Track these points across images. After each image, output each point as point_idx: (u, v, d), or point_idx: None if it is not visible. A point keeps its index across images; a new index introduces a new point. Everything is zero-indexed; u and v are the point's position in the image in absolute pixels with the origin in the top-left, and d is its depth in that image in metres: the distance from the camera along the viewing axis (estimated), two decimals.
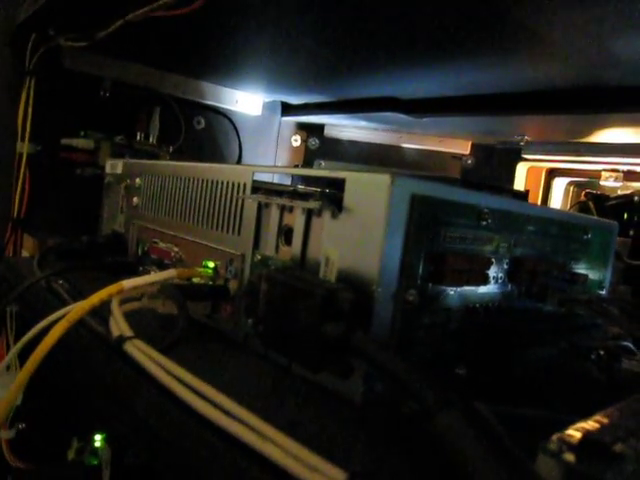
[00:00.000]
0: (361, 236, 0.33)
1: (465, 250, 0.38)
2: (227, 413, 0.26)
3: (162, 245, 0.54)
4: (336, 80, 0.86)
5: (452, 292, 0.37)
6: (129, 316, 0.40)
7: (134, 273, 0.58)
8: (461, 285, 0.38)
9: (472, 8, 0.49)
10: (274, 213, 0.40)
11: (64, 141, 0.82)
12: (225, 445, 0.26)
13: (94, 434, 0.73)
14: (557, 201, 1.05)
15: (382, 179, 0.32)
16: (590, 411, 0.27)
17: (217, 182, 0.46)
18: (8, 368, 0.74)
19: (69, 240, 0.65)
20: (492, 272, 0.40)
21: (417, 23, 0.55)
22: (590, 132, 0.87)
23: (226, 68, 0.87)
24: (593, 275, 0.54)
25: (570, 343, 0.50)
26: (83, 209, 0.79)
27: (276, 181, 0.51)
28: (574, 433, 0.25)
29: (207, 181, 0.48)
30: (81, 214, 0.80)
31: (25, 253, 0.79)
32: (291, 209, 0.38)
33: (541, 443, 0.24)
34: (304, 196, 0.37)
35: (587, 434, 0.25)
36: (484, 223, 0.39)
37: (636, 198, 0.93)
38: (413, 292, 0.34)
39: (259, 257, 0.40)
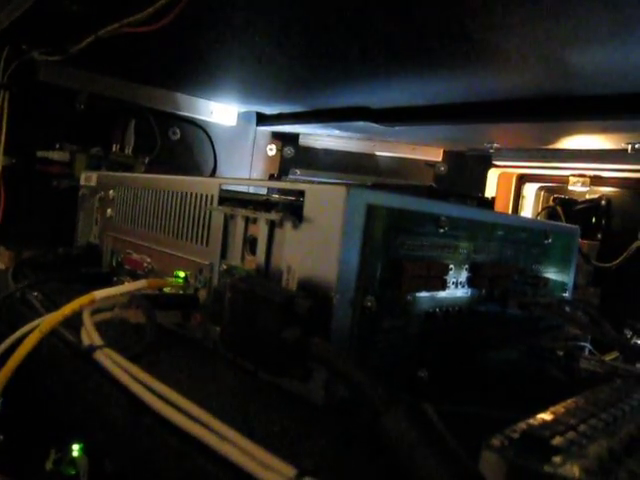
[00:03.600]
0: (320, 245, 0.34)
1: (423, 257, 0.39)
2: (190, 416, 0.27)
3: (135, 256, 0.55)
4: (309, 91, 0.88)
5: (410, 298, 0.39)
6: (101, 326, 0.41)
7: (108, 284, 0.59)
8: (419, 291, 0.39)
9: (436, 24, 0.51)
10: (239, 224, 0.41)
11: (40, 153, 0.82)
12: (188, 447, 0.27)
13: (71, 444, 0.73)
14: (528, 206, 1.07)
15: (338, 190, 0.34)
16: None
17: (186, 194, 0.48)
18: None
19: (44, 252, 0.66)
20: (451, 278, 0.42)
21: (385, 37, 0.57)
22: (558, 139, 0.90)
23: (200, 80, 0.88)
24: (556, 278, 0.56)
25: (530, 345, 0.52)
26: (59, 221, 0.80)
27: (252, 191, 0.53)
28: (516, 429, 0.27)
29: (177, 193, 0.49)
30: (57, 226, 0.81)
31: (0, 265, 0.80)
32: (255, 220, 0.40)
33: (485, 440, 0.26)
34: (267, 207, 0.39)
35: (527, 429, 0.26)
36: (441, 230, 0.40)
37: (603, 202, 0.96)
38: (371, 298, 0.35)
39: (225, 267, 0.42)
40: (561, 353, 0.53)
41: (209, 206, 0.44)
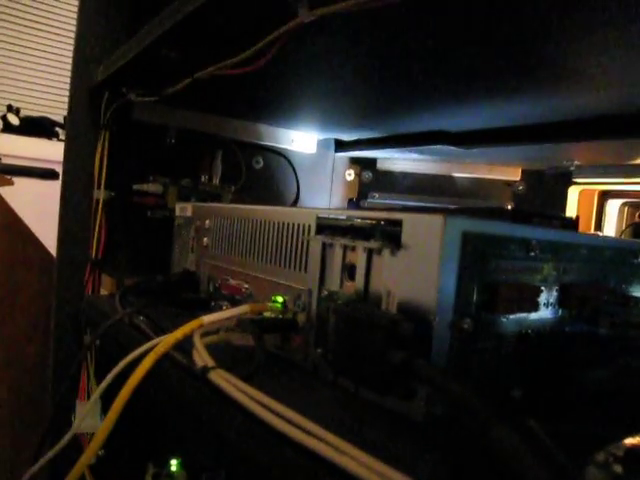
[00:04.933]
0: (418, 271, 0.36)
1: (516, 280, 0.41)
2: (309, 433, 0.30)
3: (233, 282, 0.59)
4: (386, 117, 0.91)
5: (505, 319, 0.40)
6: (208, 349, 0.44)
7: (207, 308, 0.63)
8: (513, 313, 0.41)
9: (518, 48, 0.53)
10: (337, 252, 0.44)
11: (135, 187, 0.88)
12: (305, 461, 0.30)
13: (170, 459, 0.77)
14: (611, 223, 1.05)
15: (435, 219, 0.36)
16: None
17: (284, 224, 0.51)
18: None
19: (146, 279, 0.70)
20: (542, 299, 0.43)
21: (465, 62, 0.59)
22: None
23: (282, 111, 0.92)
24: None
25: (623, 364, 0.51)
26: (154, 248, 0.85)
27: None
28: (620, 447, 0.28)
29: (274, 223, 0.53)
30: (153, 253, 0.86)
31: (103, 291, 0.86)
32: (353, 248, 0.42)
33: (590, 455, 0.27)
34: (365, 235, 0.41)
35: (631, 447, 0.27)
36: (532, 254, 0.42)
37: None
38: (468, 321, 0.37)
39: (326, 292, 0.44)
40: None
41: (308, 236, 0.47)
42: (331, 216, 0.45)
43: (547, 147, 0.89)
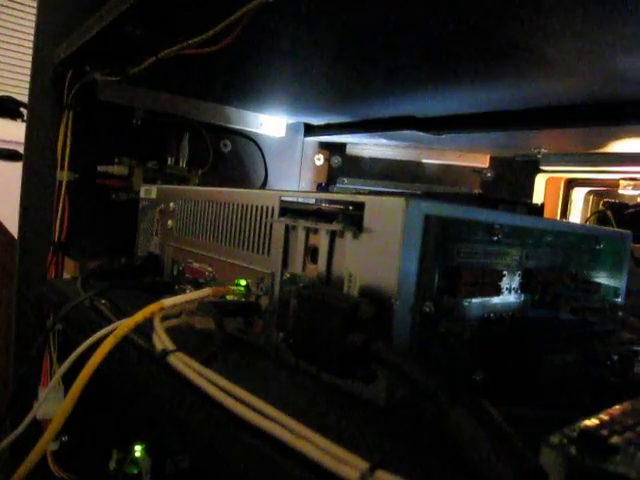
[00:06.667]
0: (380, 254, 0.36)
1: (478, 264, 0.41)
2: (265, 415, 0.29)
3: (196, 265, 0.58)
4: (356, 101, 0.90)
5: (467, 303, 0.40)
6: (169, 332, 0.43)
7: (170, 292, 0.62)
8: (475, 297, 0.41)
9: (484, 33, 0.53)
10: (300, 234, 0.43)
11: (100, 168, 0.86)
12: (263, 445, 0.29)
13: (134, 445, 0.77)
14: (577, 211, 1.07)
15: (397, 202, 0.35)
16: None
17: (247, 206, 0.50)
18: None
19: (108, 262, 0.69)
20: (505, 284, 0.43)
21: (432, 48, 0.59)
22: (607, 143, 0.89)
23: (251, 94, 0.91)
24: (608, 283, 0.56)
25: (584, 349, 0.52)
26: (119, 231, 0.84)
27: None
28: (575, 428, 0.28)
29: (238, 205, 0.52)
30: (117, 236, 0.84)
31: (66, 275, 0.84)
32: (316, 230, 0.42)
33: (545, 437, 0.27)
34: (328, 218, 0.41)
35: (585, 428, 0.28)
36: (495, 238, 0.42)
37: None
38: (429, 304, 0.37)
39: (288, 275, 0.44)
40: (615, 357, 0.53)
41: (271, 218, 0.46)
42: (294, 199, 0.45)
43: (515, 134, 0.90)
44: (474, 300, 0.41)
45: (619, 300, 0.59)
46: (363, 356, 0.32)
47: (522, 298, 0.46)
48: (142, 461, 0.74)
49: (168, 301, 0.45)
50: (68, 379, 0.48)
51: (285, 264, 0.45)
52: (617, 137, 0.85)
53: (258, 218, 0.49)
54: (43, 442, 0.42)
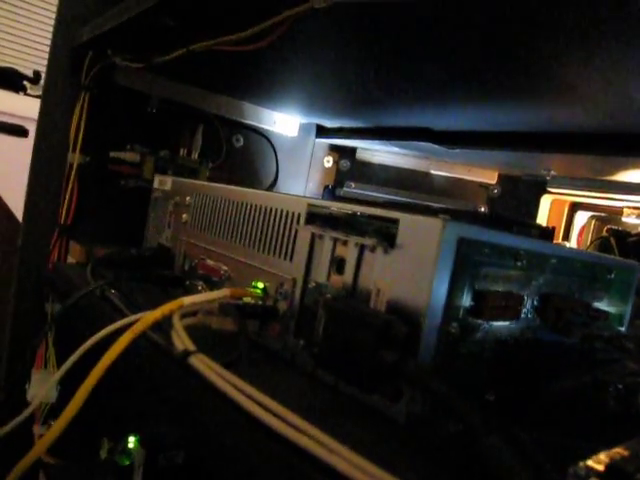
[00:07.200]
0: (412, 272, 0.36)
1: (502, 287, 0.41)
2: (295, 427, 0.29)
3: (210, 262, 0.58)
4: (372, 108, 0.90)
5: (488, 325, 0.41)
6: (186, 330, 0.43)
7: (180, 286, 0.62)
8: (497, 320, 0.41)
9: (506, 56, 0.53)
10: (327, 244, 0.43)
11: (112, 154, 0.86)
12: (291, 456, 0.29)
13: (127, 436, 0.76)
14: (578, 232, 1.08)
15: (434, 223, 0.36)
16: (607, 441, 0.30)
17: (272, 209, 0.50)
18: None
19: (119, 251, 0.69)
20: (524, 308, 0.44)
21: (455, 65, 0.59)
22: (614, 171, 0.90)
23: (267, 91, 0.91)
24: (614, 312, 0.57)
25: (591, 377, 0.53)
26: (126, 219, 0.83)
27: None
28: (599, 461, 0.28)
29: (262, 207, 0.52)
30: (124, 224, 0.84)
31: (71, 259, 0.83)
32: (345, 242, 0.42)
33: (570, 468, 0.27)
34: (358, 230, 0.41)
35: (612, 463, 0.28)
36: (519, 264, 0.42)
37: None
38: (455, 325, 0.37)
39: (314, 284, 0.44)
40: (620, 387, 0.54)
41: (297, 225, 0.46)
42: (323, 207, 0.45)
43: (526, 155, 0.91)
44: (495, 323, 0.41)
45: (623, 329, 0.60)
46: (392, 374, 0.32)
47: (537, 323, 0.46)
48: (135, 452, 0.73)
49: (188, 299, 0.45)
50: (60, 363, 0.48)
51: (308, 271, 0.45)
52: (626, 167, 0.86)
53: (283, 223, 0.49)
54: (47, 439, 0.42)
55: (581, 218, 1.09)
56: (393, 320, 0.34)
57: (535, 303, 0.46)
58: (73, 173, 0.83)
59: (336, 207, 0.43)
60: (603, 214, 1.06)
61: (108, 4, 0.69)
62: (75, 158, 0.83)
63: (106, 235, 0.85)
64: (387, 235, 0.38)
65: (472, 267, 0.38)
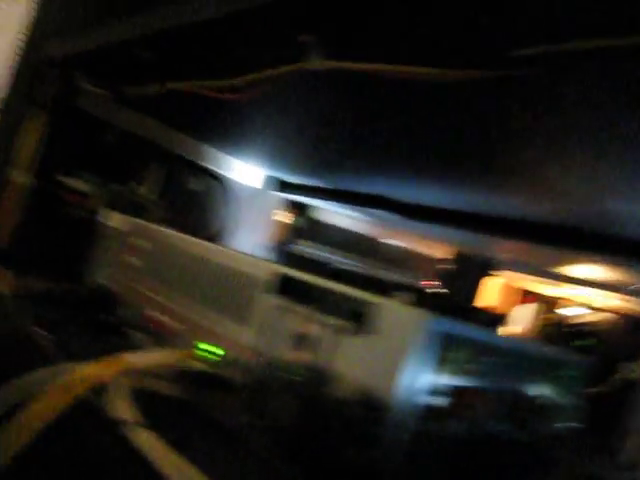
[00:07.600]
0: (383, 360, 0.34)
1: (472, 384, 0.39)
2: None
3: (160, 316, 0.54)
4: (333, 170, 0.89)
5: (454, 422, 0.38)
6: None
7: (121, 336, 0.57)
8: (463, 416, 0.39)
9: (475, 142, 0.53)
10: (292, 317, 0.40)
11: (60, 178, 0.81)
12: None
13: None
14: (523, 318, 1.09)
15: (416, 314, 0.34)
16: None
17: (235, 271, 0.47)
18: None
19: (53, 286, 0.63)
20: (487, 404, 0.42)
21: (420, 143, 0.59)
22: (563, 263, 0.92)
23: (233, 139, 0.89)
24: (565, 405, 0.57)
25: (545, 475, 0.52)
26: (64, 250, 0.78)
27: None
28: None
29: (225, 267, 0.48)
30: (61, 255, 0.78)
31: (3, 288, 0.76)
32: (311, 318, 0.39)
33: None
34: (328, 306, 0.38)
35: None
36: (488, 359, 0.41)
37: (599, 327, 0.98)
38: (420, 422, 0.35)
39: (273, 358, 0.40)
40: None
41: (261, 294, 0.43)
42: (292, 276, 0.42)
43: (481, 236, 0.91)
44: (459, 420, 0.39)
45: (577, 424, 0.59)
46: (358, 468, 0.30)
47: (494, 419, 0.45)
48: None
49: (134, 360, 0.41)
50: None
51: (270, 344, 0.42)
52: (575, 261, 0.87)
53: (245, 287, 0.45)
54: None
55: (527, 302, 1.10)
56: (361, 415, 0.31)
57: (496, 398, 0.44)
58: (14, 192, 0.77)
59: (305, 278, 0.41)
60: (549, 302, 1.08)
61: (83, 26, 0.66)
62: (19, 176, 0.77)
63: (40, 265, 0.79)
64: (361, 318, 0.36)
65: (445, 361, 0.36)
